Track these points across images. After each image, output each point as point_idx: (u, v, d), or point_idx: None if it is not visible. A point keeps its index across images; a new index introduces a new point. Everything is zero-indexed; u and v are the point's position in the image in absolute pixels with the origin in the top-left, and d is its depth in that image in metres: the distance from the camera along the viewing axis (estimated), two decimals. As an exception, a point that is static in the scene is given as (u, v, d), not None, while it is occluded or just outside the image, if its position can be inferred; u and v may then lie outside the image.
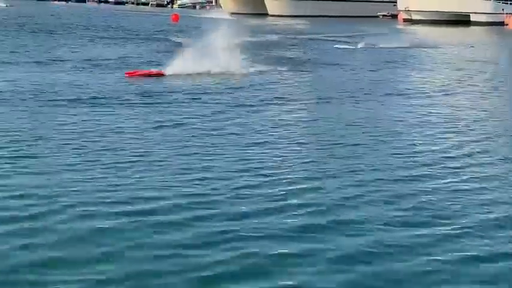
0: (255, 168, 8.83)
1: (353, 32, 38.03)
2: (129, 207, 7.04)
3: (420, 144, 10.76)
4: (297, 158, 9.49)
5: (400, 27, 59.82)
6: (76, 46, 26.91)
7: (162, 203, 7.23)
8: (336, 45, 31.37)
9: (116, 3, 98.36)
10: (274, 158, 9.43)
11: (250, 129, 11.43)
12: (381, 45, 31.62)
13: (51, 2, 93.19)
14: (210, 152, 9.59)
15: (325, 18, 69.44)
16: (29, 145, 9.58)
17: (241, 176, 8.38)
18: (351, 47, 30.95)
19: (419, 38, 41.51)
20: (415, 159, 9.67)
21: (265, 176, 8.48)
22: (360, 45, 31.01)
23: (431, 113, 14.02)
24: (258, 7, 77.86)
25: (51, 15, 54.79)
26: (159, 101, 14.03)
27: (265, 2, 78.12)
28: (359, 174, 8.67)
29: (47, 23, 42.37)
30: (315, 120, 12.86)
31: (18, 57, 21.62)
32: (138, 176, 8.21)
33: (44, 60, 20.93)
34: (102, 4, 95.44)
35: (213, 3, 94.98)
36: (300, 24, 53.92)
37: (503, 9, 68.18)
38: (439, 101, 16.08)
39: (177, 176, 8.30)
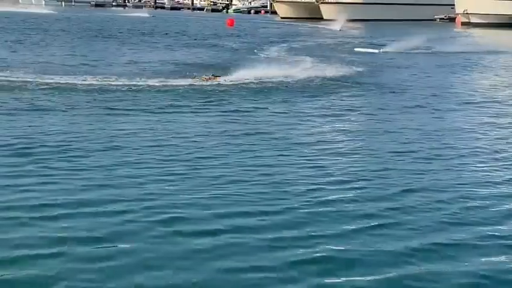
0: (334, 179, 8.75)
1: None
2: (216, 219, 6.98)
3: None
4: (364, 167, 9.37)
5: (459, 30, 58.82)
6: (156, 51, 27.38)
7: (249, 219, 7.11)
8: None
9: (172, 8, 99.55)
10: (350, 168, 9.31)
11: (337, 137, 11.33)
12: (441, 49, 31.11)
13: (109, 8, 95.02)
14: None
15: (380, 22, 68.69)
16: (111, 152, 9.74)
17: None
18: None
19: (480, 41, 40.73)
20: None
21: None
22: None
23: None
24: (312, 11, 77.64)
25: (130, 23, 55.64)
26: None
27: (320, 7, 77.87)
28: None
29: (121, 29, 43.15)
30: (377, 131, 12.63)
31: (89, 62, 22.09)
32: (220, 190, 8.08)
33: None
34: (159, 10, 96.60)
35: (268, 8, 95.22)
36: (355, 28, 53.48)
37: None
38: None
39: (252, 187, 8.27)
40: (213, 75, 17.99)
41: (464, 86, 19.75)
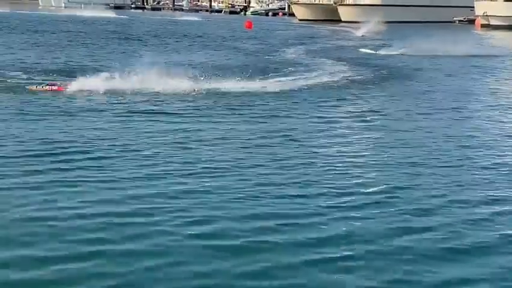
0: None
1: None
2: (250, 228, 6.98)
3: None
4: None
5: (479, 32, 58.47)
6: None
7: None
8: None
9: (190, 10, 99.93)
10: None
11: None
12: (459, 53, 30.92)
13: (129, 10, 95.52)
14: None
15: (398, 24, 68.42)
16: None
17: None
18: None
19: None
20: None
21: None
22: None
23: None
24: (330, 13, 77.64)
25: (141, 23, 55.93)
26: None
27: (338, 9, 77.85)
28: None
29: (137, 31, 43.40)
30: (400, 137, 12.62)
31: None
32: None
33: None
34: (177, 12, 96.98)
35: (286, 10, 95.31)
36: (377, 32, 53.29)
37: None
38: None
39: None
40: (47, 84, 15.69)
41: (489, 90, 19.69)
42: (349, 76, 20.62)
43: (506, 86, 20.67)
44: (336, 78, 19.78)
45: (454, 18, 77.19)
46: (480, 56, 30.62)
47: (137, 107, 13.78)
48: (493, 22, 67.04)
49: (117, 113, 13.01)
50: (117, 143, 10.28)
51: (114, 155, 9.56)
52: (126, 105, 14.02)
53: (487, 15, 68.47)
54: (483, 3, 72.02)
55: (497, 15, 67.28)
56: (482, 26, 67.32)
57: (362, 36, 45.15)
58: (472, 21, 71.93)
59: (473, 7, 71.52)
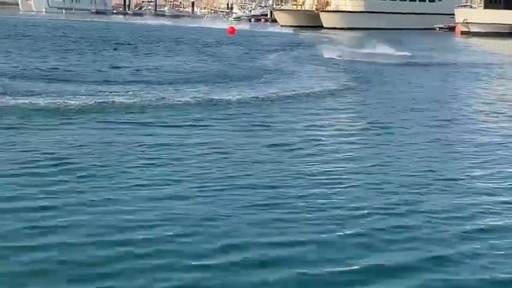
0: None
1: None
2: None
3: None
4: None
5: (460, 40, 59.05)
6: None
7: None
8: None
9: (172, 16, 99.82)
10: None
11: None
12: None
13: (111, 16, 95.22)
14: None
15: (380, 30, 68.81)
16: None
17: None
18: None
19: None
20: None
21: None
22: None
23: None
24: (312, 20, 77.90)
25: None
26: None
27: (320, 15, 78.16)
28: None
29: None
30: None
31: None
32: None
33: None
34: (159, 17, 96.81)
35: (268, 16, 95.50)
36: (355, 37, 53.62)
37: None
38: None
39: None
40: None
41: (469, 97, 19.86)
42: (332, 83, 20.65)
43: (488, 92, 20.91)
44: (316, 85, 19.78)
45: (435, 26, 77.82)
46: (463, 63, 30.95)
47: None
48: (473, 29, 67.69)
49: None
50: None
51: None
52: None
53: (467, 23, 69.14)
54: (463, 10, 72.83)
55: (477, 22, 67.95)
56: (463, 33, 67.97)
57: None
58: (452, 29, 72.57)
59: (453, 14, 72.16)
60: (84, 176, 8.67)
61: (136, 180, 8.59)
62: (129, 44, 36.39)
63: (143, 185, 8.36)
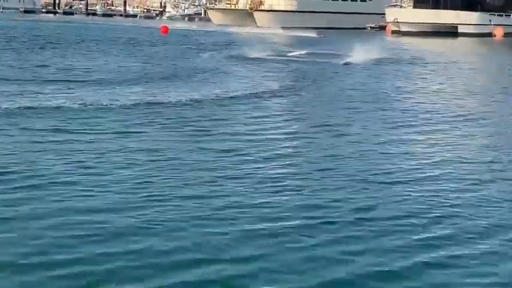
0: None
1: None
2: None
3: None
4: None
5: (390, 39, 60.13)
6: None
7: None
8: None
9: (104, 15, 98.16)
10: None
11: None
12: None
13: (40, 14, 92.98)
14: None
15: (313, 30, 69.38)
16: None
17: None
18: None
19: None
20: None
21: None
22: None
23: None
24: (246, 19, 78.04)
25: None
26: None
27: (254, 14, 78.37)
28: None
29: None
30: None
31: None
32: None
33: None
34: (90, 16, 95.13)
35: (202, 15, 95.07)
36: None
37: (490, 21, 68.76)
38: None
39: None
40: None
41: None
42: (266, 82, 20.62)
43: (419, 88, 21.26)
44: (251, 85, 19.73)
45: (366, 25, 79.07)
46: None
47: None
48: (403, 28, 69.14)
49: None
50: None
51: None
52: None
53: (397, 22, 70.57)
54: (393, 10, 74.41)
55: (406, 21, 69.47)
56: (393, 32, 69.37)
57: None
58: (383, 28, 73.92)
59: (384, 14, 73.53)
60: (7, 188, 8.06)
61: (69, 191, 8.04)
62: (59, 44, 35.56)
63: (75, 196, 7.84)
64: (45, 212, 7.30)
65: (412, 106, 16.94)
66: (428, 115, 15.40)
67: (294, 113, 15.30)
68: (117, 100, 15.49)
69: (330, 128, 13.17)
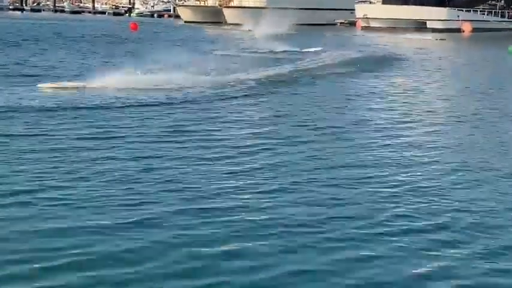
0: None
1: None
2: None
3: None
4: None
5: (360, 34, 60.48)
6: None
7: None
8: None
9: (73, 12, 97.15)
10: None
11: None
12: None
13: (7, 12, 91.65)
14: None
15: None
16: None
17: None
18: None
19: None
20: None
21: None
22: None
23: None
24: (216, 16, 77.89)
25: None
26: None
27: (224, 11, 78.23)
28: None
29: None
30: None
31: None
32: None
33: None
34: (58, 13, 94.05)
35: (171, 12, 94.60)
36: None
37: (458, 16, 69.45)
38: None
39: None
40: None
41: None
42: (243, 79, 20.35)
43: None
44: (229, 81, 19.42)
45: (336, 21, 79.35)
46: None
47: None
48: (373, 24, 69.62)
49: None
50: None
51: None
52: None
53: (367, 18, 71.02)
54: (363, 6, 74.90)
55: (376, 17, 69.94)
56: (363, 28, 69.85)
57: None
58: (353, 24, 74.31)
59: (353, 10, 73.93)
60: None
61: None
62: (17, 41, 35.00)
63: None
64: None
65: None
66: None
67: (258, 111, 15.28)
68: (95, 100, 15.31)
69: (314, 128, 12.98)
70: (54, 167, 8.92)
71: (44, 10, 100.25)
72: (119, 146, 10.39)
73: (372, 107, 16.18)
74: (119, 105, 14.45)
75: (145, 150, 10.16)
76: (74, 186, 8.04)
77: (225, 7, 78.61)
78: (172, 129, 11.93)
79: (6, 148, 9.97)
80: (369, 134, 12.47)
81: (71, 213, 7.12)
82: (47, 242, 6.30)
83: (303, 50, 32.58)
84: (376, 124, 13.54)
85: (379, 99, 17.54)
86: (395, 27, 66.76)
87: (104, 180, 8.39)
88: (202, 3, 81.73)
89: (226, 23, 74.77)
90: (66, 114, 13.02)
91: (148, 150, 10.22)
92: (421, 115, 14.91)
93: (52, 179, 8.36)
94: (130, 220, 6.96)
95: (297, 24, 72.09)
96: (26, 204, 7.39)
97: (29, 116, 12.69)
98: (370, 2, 78.49)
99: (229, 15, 77.63)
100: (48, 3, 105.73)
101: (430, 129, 13.10)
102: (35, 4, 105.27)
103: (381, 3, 73.41)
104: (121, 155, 9.82)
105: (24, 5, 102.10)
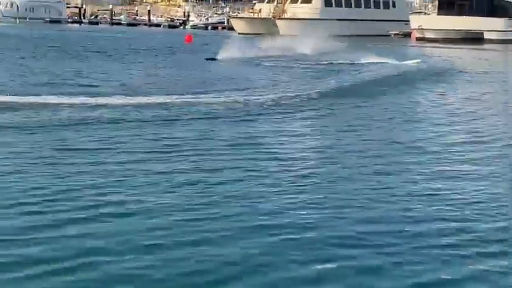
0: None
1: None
2: None
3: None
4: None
5: (415, 45, 59.89)
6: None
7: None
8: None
9: (129, 25, 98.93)
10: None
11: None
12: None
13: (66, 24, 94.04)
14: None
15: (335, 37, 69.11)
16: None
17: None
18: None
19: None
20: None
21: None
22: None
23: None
24: (269, 27, 78.20)
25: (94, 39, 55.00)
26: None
27: (277, 22, 78.54)
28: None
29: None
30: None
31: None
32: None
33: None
34: (115, 26, 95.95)
35: (225, 24, 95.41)
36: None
37: (515, 27, 68.25)
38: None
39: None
40: None
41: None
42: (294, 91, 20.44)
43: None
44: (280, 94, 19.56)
45: (390, 32, 78.79)
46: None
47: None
48: (428, 35, 68.83)
49: None
50: None
51: None
52: None
53: (422, 29, 70.29)
54: (418, 17, 74.24)
55: (431, 28, 69.18)
56: (418, 39, 69.16)
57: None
58: (407, 35, 73.64)
59: (407, 21, 73.34)
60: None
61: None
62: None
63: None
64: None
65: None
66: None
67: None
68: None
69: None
70: (118, 180, 9.03)
71: (101, 23, 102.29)
72: (182, 159, 10.46)
73: (442, 121, 15.86)
74: (185, 117, 14.55)
75: (211, 162, 10.21)
76: (140, 200, 8.08)
77: (278, 19, 78.92)
78: (236, 142, 11.95)
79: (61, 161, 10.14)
80: (443, 147, 12.17)
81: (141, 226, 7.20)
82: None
83: (402, 63, 32.01)
84: (450, 137, 13.33)
85: (448, 112, 17.32)
86: (452, 38, 65.91)
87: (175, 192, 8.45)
88: (256, 15, 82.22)
89: (279, 35, 74.98)
90: (128, 126, 13.20)
91: (214, 162, 10.26)
92: (496, 129, 14.51)
93: (118, 192, 8.43)
94: (197, 236, 6.92)
95: (350, 36, 72.13)
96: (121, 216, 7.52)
97: (92, 128, 12.96)
98: (425, 13, 77.74)
99: (282, 26, 77.89)
100: (105, 16, 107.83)
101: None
102: (93, 17, 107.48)
103: (436, 14, 72.58)
104: (185, 167, 9.85)
105: (82, 17, 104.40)
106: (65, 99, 16.11)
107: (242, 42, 39.14)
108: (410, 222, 7.51)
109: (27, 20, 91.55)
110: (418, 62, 32.36)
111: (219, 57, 32.09)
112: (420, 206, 8.18)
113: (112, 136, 11.95)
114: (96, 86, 20.10)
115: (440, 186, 9.15)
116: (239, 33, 77.89)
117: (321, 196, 8.47)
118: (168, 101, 16.56)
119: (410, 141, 12.52)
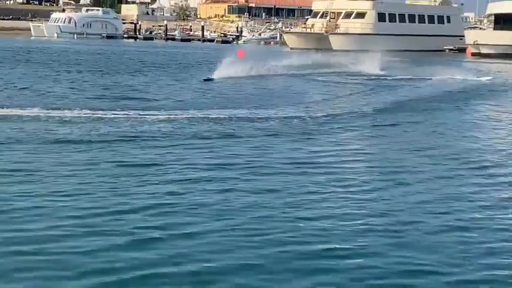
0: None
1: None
2: None
3: None
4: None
5: (471, 60, 59.01)
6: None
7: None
8: None
9: (183, 40, 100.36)
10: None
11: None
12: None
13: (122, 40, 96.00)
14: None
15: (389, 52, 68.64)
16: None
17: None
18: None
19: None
20: None
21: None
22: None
23: None
24: (321, 42, 78.20)
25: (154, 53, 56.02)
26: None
27: (329, 37, 78.53)
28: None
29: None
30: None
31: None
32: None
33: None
34: (169, 41, 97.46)
35: (277, 39, 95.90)
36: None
37: None
38: None
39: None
40: None
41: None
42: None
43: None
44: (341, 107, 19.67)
45: (444, 47, 78.01)
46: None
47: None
48: (484, 50, 67.86)
49: None
50: None
51: None
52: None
53: (477, 44, 69.33)
54: (473, 32, 73.29)
55: (487, 43, 68.16)
56: (473, 54, 68.21)
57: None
58: (462, 50, 72.76)
59: (462, 36, 72.46)
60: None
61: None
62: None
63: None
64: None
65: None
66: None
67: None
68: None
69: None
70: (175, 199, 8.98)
71: (156, 38, 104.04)
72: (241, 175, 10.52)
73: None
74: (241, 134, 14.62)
75: (272, 181, 10.12)
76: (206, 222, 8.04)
77: (331, 34, 78.95)
78: (293, 161, 11.72)
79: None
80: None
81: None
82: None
83: (479, 78, 31.93)
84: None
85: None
86: (508, 53, 64.82)
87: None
88: (308, 30, 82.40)
89: (332, 50, 74.98)
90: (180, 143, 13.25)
91: (275, 181, 10.13)
92: None
93: (176, 212, 8.42)
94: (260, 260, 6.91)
95: (404, 51, 71.60)
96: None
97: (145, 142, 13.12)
98: (480, 28, 76.73)
99: (335, 41, 77.85)
100: (160, 31, 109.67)
101: None
102: (148, 33, 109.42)
103: (492, 29, 71.55)
104: (243, 186, 9.83)
105: (137, 33, 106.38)
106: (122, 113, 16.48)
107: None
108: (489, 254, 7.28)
109: (85, 35, 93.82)
110: (489, 79, 32.30)
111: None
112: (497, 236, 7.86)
113: (163, 152, 12.01)
114: (156, 100, 20.50)
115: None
116: (291, 48, 78.18)
117: (385, 221, 8.23)
118: (221, 116, 16.69)
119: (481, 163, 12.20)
